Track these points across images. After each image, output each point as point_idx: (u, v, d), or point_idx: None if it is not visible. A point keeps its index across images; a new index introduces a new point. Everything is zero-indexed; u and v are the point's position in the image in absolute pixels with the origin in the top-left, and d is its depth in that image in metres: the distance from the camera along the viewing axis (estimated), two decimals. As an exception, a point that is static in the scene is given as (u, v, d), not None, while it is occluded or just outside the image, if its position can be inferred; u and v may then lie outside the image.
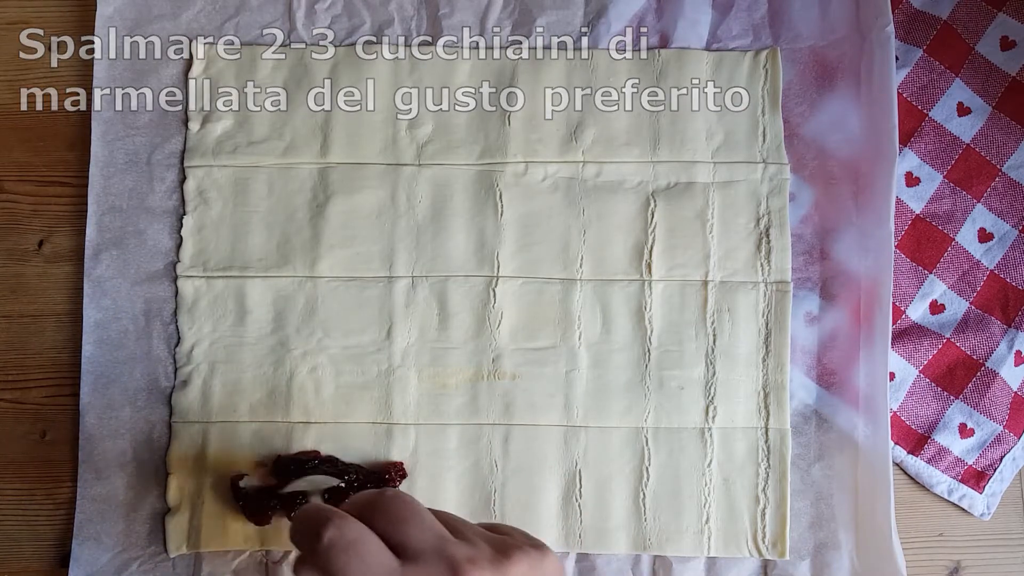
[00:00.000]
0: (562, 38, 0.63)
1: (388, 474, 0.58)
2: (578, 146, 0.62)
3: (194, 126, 0.61)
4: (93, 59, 0.61)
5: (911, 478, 0.62)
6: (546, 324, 0.60)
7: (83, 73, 0.63)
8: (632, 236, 0.61)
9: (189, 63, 0.62)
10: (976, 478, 0.61)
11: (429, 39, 0.63)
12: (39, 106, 0.63)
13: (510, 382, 0.60)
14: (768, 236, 0.61)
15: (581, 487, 0.59)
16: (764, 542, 0.59)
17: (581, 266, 0.61)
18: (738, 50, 0.63)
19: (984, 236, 0.63)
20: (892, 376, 0.61)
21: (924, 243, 0.63)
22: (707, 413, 0.60)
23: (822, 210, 0.62)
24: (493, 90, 0.62)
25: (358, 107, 0.61)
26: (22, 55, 0.63)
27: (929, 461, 0.61)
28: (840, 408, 0.60)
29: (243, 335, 0.60)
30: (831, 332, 0.61)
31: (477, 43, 0.62)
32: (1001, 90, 0.63)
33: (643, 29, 0.63)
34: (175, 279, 0.60)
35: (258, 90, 0.62)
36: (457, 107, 0.62)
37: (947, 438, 0.61)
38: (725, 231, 0.61)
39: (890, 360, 0.58)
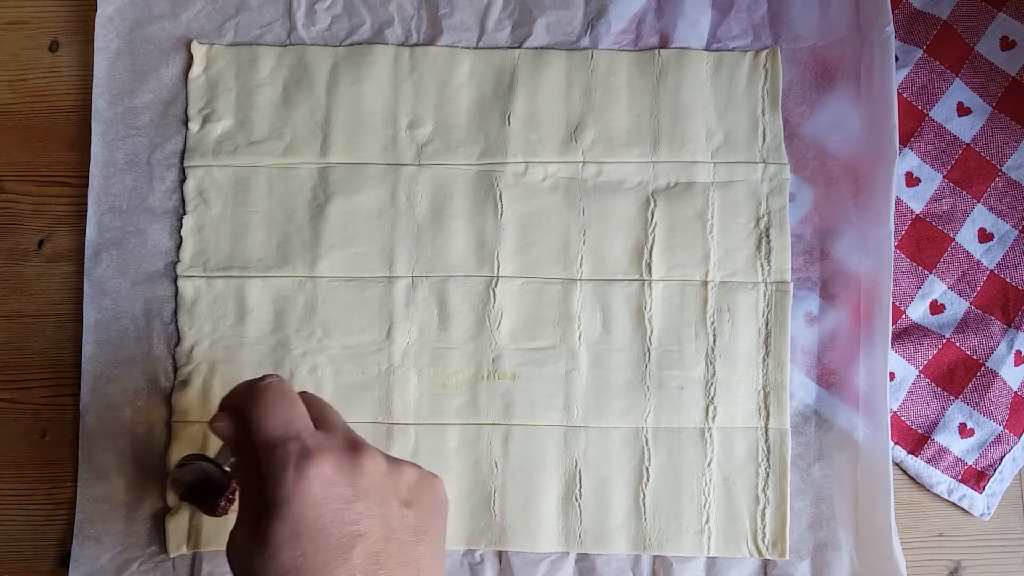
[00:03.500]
0: (562, 38, 0.63)
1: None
2: (578, 146, 0.62)
3: (194, 126, 0.61)
4: (93, 59, 0.61)
5: (911, 478, 0.62)
6: (546, 324, 0.60)
7: (83, 73, 0.63)
8: (632, 236, 0.61)
9: (189, 63, 0.62)
10: (976, 478, 0.61)
11: (429, 39, 0.63)
12: (39, 106, 0.63)
13: (510, 382, 0.60)
14: (768, 236, 0.61)
15: (581, 487, 0.59)
16: (764, 542, 0.59)
17: (581, 266, 0.61)
18: (738, 50, 0.63)
19: (984, 236, 0.63)
20: (892, 376, 0.61)
21: (924, 243, 0.63)
22: (707, 413, 0.60)
23: (822, 210, 0.62)
24: (493, 90, 0.62)
25: (358, 107, 0.61)
26: (22, 55, 0.63)
27: (929, 461, 0.61)
28: (840, 408, 0.60)
29: (243, 335, 0.60)
30: (831, 332, 0.61)
31: (477, 43, 0.63)
32: (1001, 90, 0.63)
33: (643, 29, 0.63)
34: (175, 279, 0.60)
35: (258, 90, 0.62)
36: (457, 107, 0.62)
37: (947, 438, 0.61)
38: (725, 231, 0.61)
39: (890, 360, 0.58)
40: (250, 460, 0.40)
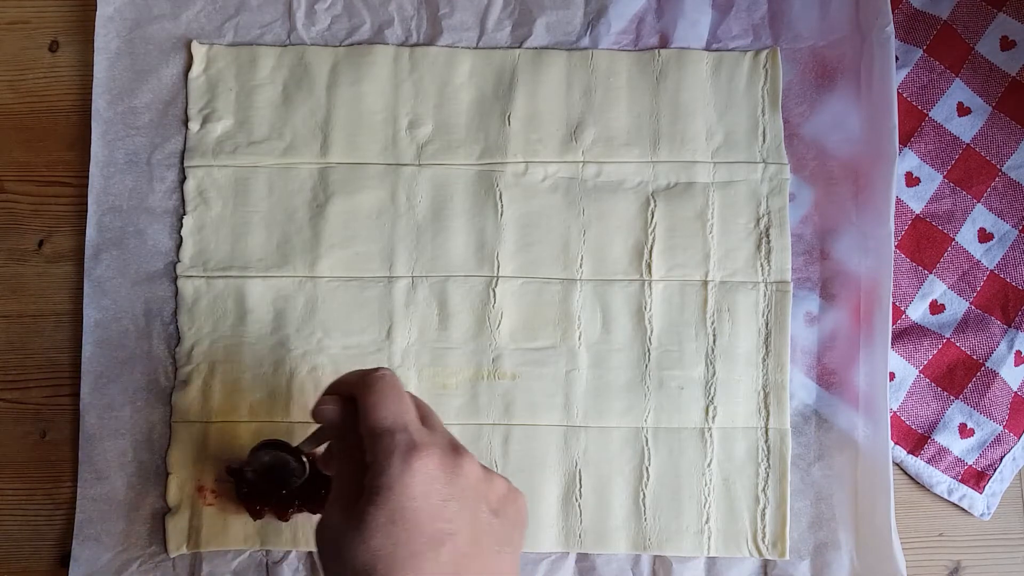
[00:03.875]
0: (562, 38, 0.63)
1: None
2: (578, 146, 0.62)
3: (194, 126, 0.61)
4: (93, 59, 0.61)
5: (911, 478, 0.62)
6: (546, 324, 0.60)
7: (83, 73, 0.63)
8: (632, 236, 0.61)
9: (189, 63, 0.62)
10: (976, 478, 0.61)
11: (429, 39, 0.63)
12: (39, 106, 0.63)
13: (510, 382, 0.60)
14: (768, 236, 0.61)
15: (581, 487, 0.59)
16: (764, 542, 0.59)
17: (581, 266, 0.61)
18: (738, 50, 0.63)
19: (984, 236, 0.63)
20: (892, 376, 0.61)
21: (924, 243, 0.63)
22: (707, 413, 0.60)
23: (822, 210, 0.62)
24: (493, 90, 0.62)
25: (358, 107, 0.61)
26: (22, 55, 0.63)
27: (929, 461, 0.61)
28: (840, 408, 0.60)
29: (243, 335, 0.60)
30: (831, 332, 0.61)
31: (477, 43, 0.63)
32: (1001, 90, 0.63)
33: (643, 29, 0.63)
34: (175, 279, 0.60)
35: (258, 90, 0.62)
36: (457, 107, 0.62)
37: (947, 438, 0.61)
38: (725, 231, 0.61)
39: (890, 360, 0.58)
40: (352, 446, 0.41)
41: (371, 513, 0.37)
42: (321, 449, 0.50)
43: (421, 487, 0.38)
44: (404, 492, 0.38)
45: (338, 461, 0.44)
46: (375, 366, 0.44)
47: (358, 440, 0.41)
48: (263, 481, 0.54)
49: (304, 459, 0.52)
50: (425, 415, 0.43)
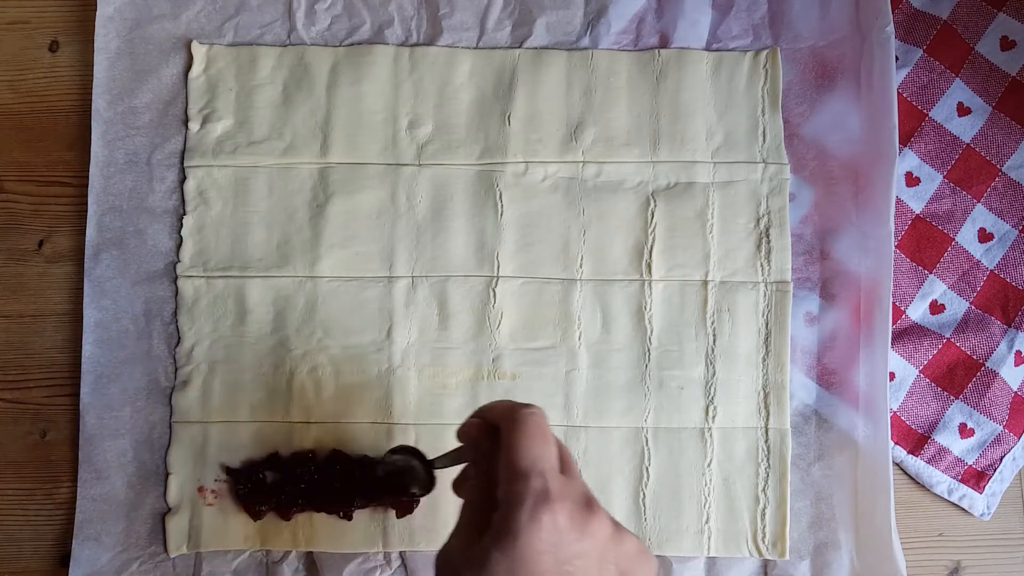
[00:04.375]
0: (562, 38, 0.63)
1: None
2: (578, 146, 0.62)
3: (194, 126, 0.61)
4: (93, 59, 0.61)
5: (911, 478, 0.62)
6: (546, 324, 0.60)
7: (83, 73, 0.63)
8: (632, 236, 0.61)
9: (189, 63, 0.62)
10: (976, 478, 0.61)
11: (429, 39, 0.63)
12: (39, 106, 0.63)
13: (510, 382, 0.60)
14: (768, 236, 0.61)
15: (581, 487, 0.59)
16: (764, 542, 0.59)
17: (581, 266, 0.61)
18: (738, 50, 0.63)
19: (984, 236, 0.63)
20: (892, 376, 0.61)
21: (924, 243, 0.63)
22: (707, 413, 0.60)
23: (822, 210, 0.62)
24: (493, 90, 0.62)
25: (358, 107, 0.61)
26: (22, 55, 0.63)
27: (929, 461, 0.61)
28: (840, 408, 0.60)
29: (243, 335, 0.60)
30: (831, 332, 0.61)
31: (477, 43, 0.63)
32: (1001, 90, 0.63)
33: (643, 29, 0.63)
34: (175, 279, 0.60)
35: (258, 90, 0.62)
36: (457, 107, 0.62)
37: (947, 438, 0.61)
38: (725, 231, 0.61)
39: (890, 360, 0.58)
40: (487, 476, 0.41)
41: (494, 556, 0.37)
42: (457, 469, 0.50)
43: (548, 540, 0.37)
44: (529, 543, 0.37)
45: (471, 488, 0.43)
46: (526, 403, 0.43)
47: (494, 471, 0.41)
48: (387, 482, 0.56)
49: (434, 472, 0.54)
50: (565, 461, 0.42)
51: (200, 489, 0.58)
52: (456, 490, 0.47)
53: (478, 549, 0.38)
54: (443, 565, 0.40)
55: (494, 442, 0.42)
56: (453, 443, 0.60)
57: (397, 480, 0.55)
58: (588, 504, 0.39)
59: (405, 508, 0.57)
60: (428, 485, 0.54)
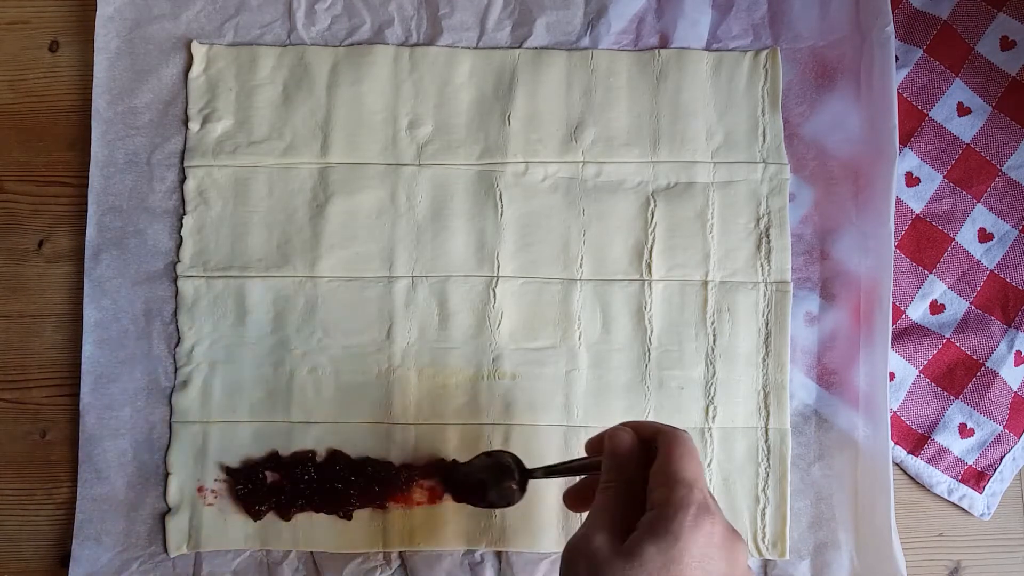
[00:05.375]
0: (562, 38, 0.63)
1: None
2: (578, 146, 0.62)
3: (194, 126, 0.61)
4: (93, 59, 0.61)
5: (911, 478, 0.62)
6: (546, 324, 0.60)
7: (83, 73, 0.63)
8: (632, 236, 0.61)
9: (189, 63, 0.62)
10: (976, 478, 0.61)
11: (429, 39, 0.63)
12: (39, 106, 0.63)
13: (510, 382, 0.60)
14: (768, 236, 0.61)
15: (581, 487, 0.59)
16: (764, 542, 0.59)
17: (581, 266, 0.61)
18: (738, 50, 0.63)
19: (984, 236, 0.63)
20: (892, 376, 0.61)
21: (924, 243, 0.63)
22: (707, 413, 0.60)
23: (822, 210, 0.62)
24: (493, 90, 0.62)
25: (358, 107, 0.61)
26: (22, 55, 0.63)
27: (929, 461, 0.61)
28: (840, 408, 0.60)
29: (243, 335, 0.60)
30: (831, 332, 0.61)
31: (477, 43, 0.63)
32: (1001, 90, 0.63)
33: (643, 29, 0.63)
34: (175, 279, 0.60)
35: (258, 90, 0.62)
36: (457, 107, 0.62)
37: (947, 438, 0.61)
38: (725, 231, 0.61)
39: (890, 360, 0.58)
40: (630, 482, 0.44)
41: (650, 552, 0.39)
42: (574, 481, 0.52)
43: (702, 549, 0.40)
44: (686, 547, 0.40)
45: (609, 492, 0.45)
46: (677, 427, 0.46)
47: (638, 478, 0.44)
48: (474, 481, 0.57)
49: (527, 482, 0.55)
50: None
51: (200, 489, 0.58)
52: (569, 499, 0.51)
53: (630, 544, 0.40)
54: (580, 552, 0.42)
55: (641, 452, 0.45)
56: (451, 442, 0.60)
57: (483, 484, 0.56)
58: (735, 531, 0.42)
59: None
60: (514, 495, 0.55)
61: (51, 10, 0.64)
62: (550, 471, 0.53)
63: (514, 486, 0.55)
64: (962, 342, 0.62)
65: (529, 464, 0.56)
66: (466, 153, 0.61)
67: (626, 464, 0.45)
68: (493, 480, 0.56)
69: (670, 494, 0.41)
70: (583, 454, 0.59)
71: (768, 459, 0.59)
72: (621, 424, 0.47)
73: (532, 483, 0.56)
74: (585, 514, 0.45)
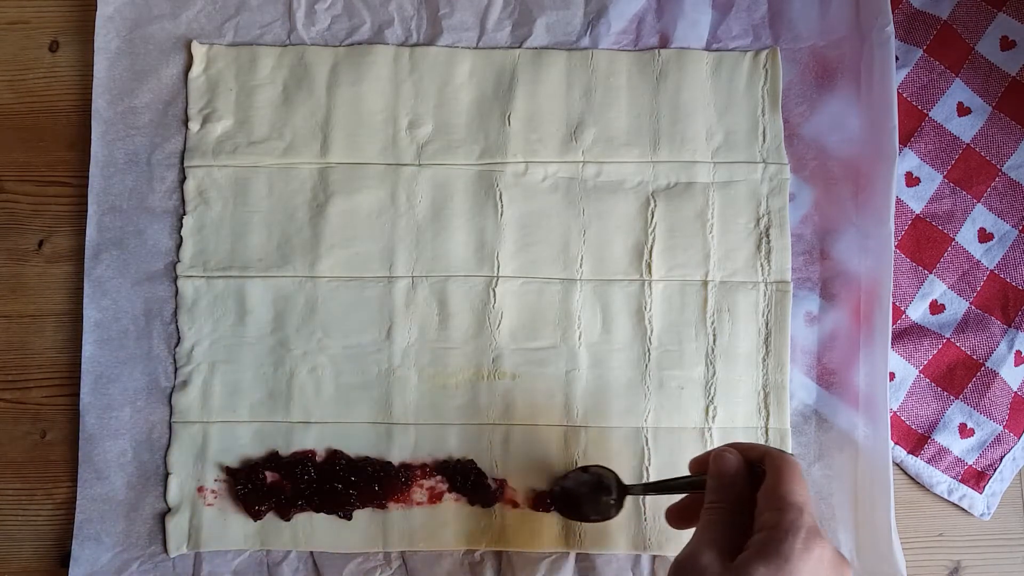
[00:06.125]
0: (562, 38, 0.63)
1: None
2: (578, 146, 0.62)
3: (194, 126, 0.61)
4: (93, 59, 0.61)
5: (911, 478, 0.62)
6: (546, 324, 0.60)
7: (83, 73, 0.63)
8: (632, 236, 0.61)
9: (189, 63, 0.62)
10: (976, 478, 0.61)
11: (429, 39, 0.63)
12: (39, 106, 0.63)
13: (510, 382, 0.60)
14: (768, 236, 0.61)
15: (581, 487, 0.59)
16: (764, 542, 0.59)
17: (581, 266, 0.61)
18: (738, 50, 0.63)
19: (984, 236, 0.63)
20: (892, 376, 0.61)
21: (924, 243, 0.63)
22: (707, 413, 0.60)
23: (822, 210, 0.62)
24: (493, 90, 0.62)
25: (358, 107, 0.61)
26: (22, 55, 0.63)
27: (929, 461, 0.61)
28: (840, 408, 0.60)
29: (243, 335, 0.60)
30: (831, 332, 0.61)
31: (477, 43, 0.63)
32: (1001, 90, 0.63)
33: (643, 29, 0.63)
34: (175, 279, 0.60)
35: (258, 90, 0.62)
36: (457, 107, 0.62)
37: (947, 438, 0.61)
38: (725, 231, 0.61)
39: (890, 360, 0.58)
40: (734, 502, 0.45)
41: (760, 572, 0.40)
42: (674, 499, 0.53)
43: (812, 572, 0.41)
44: (796, 569, 0.40)
45: (716, 512, 0.46)
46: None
47: (744, 498, 0.45)
48: (574, 495, 0.57)
49: (623, 497, 0.56)
50: None
51: (200, 489, 0.58)
52: (672, 517, 0.52)
53: (741, 563, 0.41)
54: (688, 567, 0.43)
55: (746, 473, 0.46)
56: (451, 442, 0.60)
57: (580, 498, 0.57)
58: (842, 557, 0.43)
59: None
60: (611, 511, 0.56)
61: (51, 10, 0.64)
62: (649, 488, 0.54)
63: (611, 501, 0.56)
64: (962, 342, 0.62)
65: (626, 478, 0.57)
66: (466, 153, 0.61)
67: (732, 485, 0.46)
68: (592, 494, 0.57)
69: (780, 517, 0.42)
70: (581, 454, 0.59)
71: (768, 459, 0.59)
72: (727, 445, 0.48)
73: (527, 483, 0.56)
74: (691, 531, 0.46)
